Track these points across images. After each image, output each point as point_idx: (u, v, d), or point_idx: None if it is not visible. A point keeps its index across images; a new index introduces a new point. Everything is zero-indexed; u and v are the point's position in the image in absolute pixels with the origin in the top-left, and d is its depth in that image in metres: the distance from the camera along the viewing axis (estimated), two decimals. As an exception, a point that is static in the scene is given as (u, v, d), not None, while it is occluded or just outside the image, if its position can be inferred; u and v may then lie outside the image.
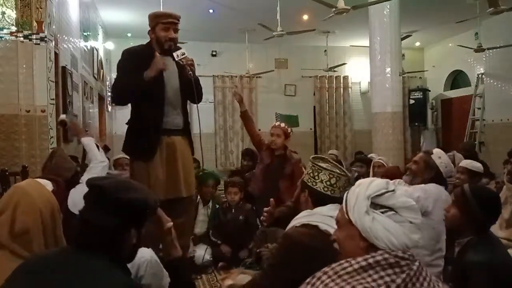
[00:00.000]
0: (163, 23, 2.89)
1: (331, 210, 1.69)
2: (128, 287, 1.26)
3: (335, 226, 1.60)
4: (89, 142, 3.05)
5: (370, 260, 1.10)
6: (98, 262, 1.25)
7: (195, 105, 3.07)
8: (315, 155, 1.88)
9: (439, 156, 2.81)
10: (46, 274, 1.22)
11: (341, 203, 1.75)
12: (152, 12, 3.00)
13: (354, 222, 1.18)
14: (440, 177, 2.74)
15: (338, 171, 1.75)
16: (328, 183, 1.72)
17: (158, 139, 2.87)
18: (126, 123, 3.04)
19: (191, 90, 2.91)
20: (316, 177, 1.75)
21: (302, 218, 1.71)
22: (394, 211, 1.16)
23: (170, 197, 2.82)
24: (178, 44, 3.00)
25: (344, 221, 1.23)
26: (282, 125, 3.98)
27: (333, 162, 1.85)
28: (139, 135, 2.89)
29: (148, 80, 2.77)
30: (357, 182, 1.26)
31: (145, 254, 2.16)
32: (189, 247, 3.38)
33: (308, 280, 1.16)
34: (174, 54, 2.86)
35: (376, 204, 1.17)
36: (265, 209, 2.23)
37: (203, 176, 4.15)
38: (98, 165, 2.92)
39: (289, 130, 3.98)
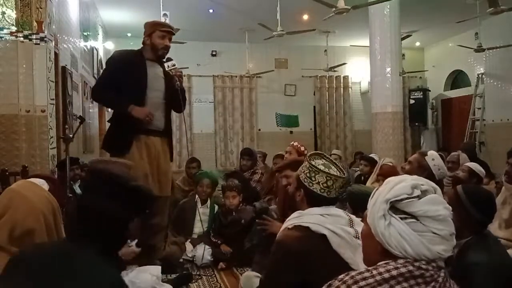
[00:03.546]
0: (161, 31, 3.12)
1: (323, 210, 1.71)
2: (115, 286, 1.20)
3: (327, 225, 1.62)
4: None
5: (394, 273, 1.04)
6: (90, 257, 1.20)
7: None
8: (312, 152, 1.87)
9: (432, 159, 2.82)
10: (35, 270, 1.18)
11: (336, 203, 1.78)
12: (150, 21, 3.23)
13: (369, 223, 1.13)
14: (432, 178, 2.74)
15: (335, 174, 1.72)
16: (324, 185, 1.71)
17: (133, 137, 3.03)
18: (108, 121, 3.24)
19: (177, 99, 3.13)
20: (313, 178, 1.73)
21: (294, 219, 1.71)
22: (415, 219, 1.07)
23: None
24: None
25: (366, 218, 1.17)
26: (296, 143, 3.87)
27: (330, 158, 1.84)
28: (117, 131, 3.07)
29: (127, 113, 2.97)
30: (386, 180, 1.17)
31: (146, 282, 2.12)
32: (163, 247, 3.44)
33: None
34: (165, 65, 3.10)
35: (397, 209, 1.09)
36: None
37: (198, 176, 4.17)
38: None
39: (302, 148, 3.82)
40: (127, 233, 1.29)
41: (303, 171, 1.78)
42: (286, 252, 1.62)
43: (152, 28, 3.12)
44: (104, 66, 3.36)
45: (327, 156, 1.86)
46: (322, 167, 1.74)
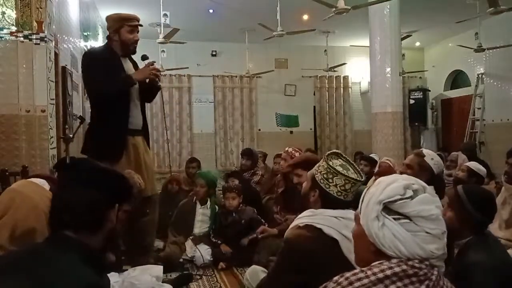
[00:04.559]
0: (129, 26, 2.98)
1: (338, 212, 1.65)
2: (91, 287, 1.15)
3: (340, 229, 1.58)
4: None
5: (388, 272, 1.04)
6: (66, 258, 1.16)
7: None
8: (330, 152, 1.78)
9: (431, 158, 2.79)
10: (9, 272, 1.15)
11: (351, 207, 1.74)
12: (114, 14, 3.08)
13: (362, 224, 1.13)
14: (435, 177, 2.73)
15: (354, 178, 1.66)
16: (342, 188, 1.65)
17: (125, 139, 2.94)
18: (88, 124, 3.09)
19: (149, 94, 3.13)
20: (330, 180, 1.66)
21: (305, 218, 1.66)
22: (409, 220, 1.08)
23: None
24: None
25: (358, 219, 1.17)
26: (290, 149, 3.87)
27: (346, 158, 1.77)
28: (106, 134, 2.90)
29: (134, 82, 2.93)
30: (377, 181, 1.18)
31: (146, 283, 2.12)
32: (153, 247, 3.41)
33: None
34: (144, 63, 3.05)
35: (390, 210, 1.09)
36: None
37: (195, 176, 4.17)
38: None
39: (297, 154, 3.78)
40: (108, 221, 1.23)
41: (319, 171, 1.71)
42: (293, 251, 1.59)
43: (119, 23, 2.99)
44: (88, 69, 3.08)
45: (343, 155, 1.79)
46: (340, 169, 1.67)
